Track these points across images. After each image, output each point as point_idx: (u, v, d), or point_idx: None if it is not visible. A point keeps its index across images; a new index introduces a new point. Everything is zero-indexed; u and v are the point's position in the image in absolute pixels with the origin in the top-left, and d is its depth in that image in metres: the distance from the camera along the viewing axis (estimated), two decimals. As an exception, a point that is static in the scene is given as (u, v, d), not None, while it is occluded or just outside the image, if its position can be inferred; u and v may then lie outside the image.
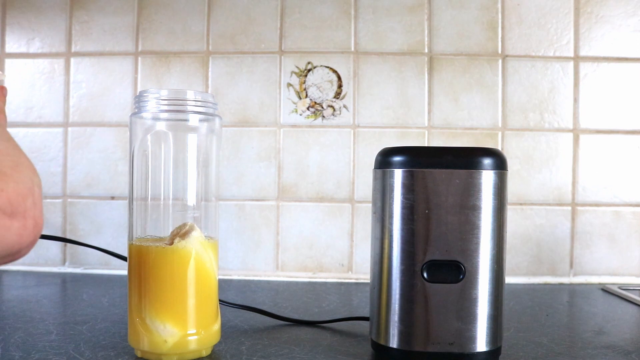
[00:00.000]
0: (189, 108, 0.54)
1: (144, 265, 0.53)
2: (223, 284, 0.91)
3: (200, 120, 0.55)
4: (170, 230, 0.55)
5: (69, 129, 1.01)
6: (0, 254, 0.32)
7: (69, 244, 1.00)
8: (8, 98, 1.05)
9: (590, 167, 0.97)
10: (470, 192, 0.51)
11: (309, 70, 0.98)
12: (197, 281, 0.54)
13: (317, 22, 0.98)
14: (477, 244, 0.51)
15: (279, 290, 0.89)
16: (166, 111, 0.54)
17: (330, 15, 0.98)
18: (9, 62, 1.02)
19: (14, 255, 0.33)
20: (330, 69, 0.98)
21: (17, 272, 0.99)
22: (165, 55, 0.99)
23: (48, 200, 1.01)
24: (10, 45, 1.02)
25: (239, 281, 0.96)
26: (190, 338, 0.53)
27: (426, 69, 0.98)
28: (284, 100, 0.99)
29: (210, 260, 0.55)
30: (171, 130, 0.55)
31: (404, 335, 0.52)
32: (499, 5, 0.98)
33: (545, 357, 0.56)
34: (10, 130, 0.43)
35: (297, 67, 0.99)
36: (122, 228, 0.99)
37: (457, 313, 0.51)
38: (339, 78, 0.98)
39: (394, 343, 0.53)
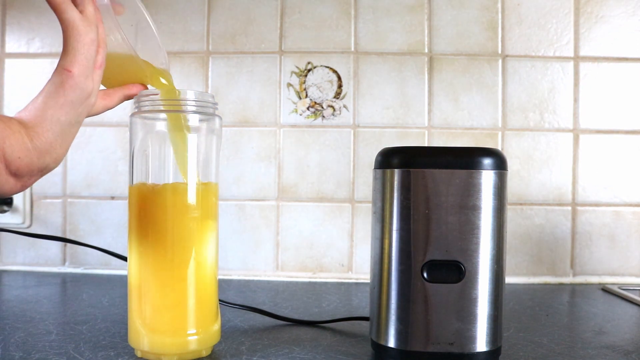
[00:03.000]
0: (189, 108, 0.54)
1: (144, 255, 0.53)
2: (223, 284, 0.91)
3: (200, 120, 0.55)
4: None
5: (69, 129, 1.01)
6: None
7: (69, 244, 1.00)
8: (8, 98, 1.05)
9: (590, 167, 0.97)
10: (470, 192, 0.51)
11: (309, 70, 0.98)
12: (196, 281, 0.54)
13: (317, 22, 0.98)
14: (477, 244, 0.51)
15: (279, 290, 0.89)
16: (166, 111, 0.54)
17: (330, 15, 0.98)
18: (8, 62, 1.02)
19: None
20: (330, 69, 0.98)
21: (17, 272, 0.99)
22: (165, 55, 0.99)
23: (48, 200, 1.01)
24: (10, 45, 1.01)
25: (239, 281, 0.96)
26: (190, 338, 0.53)
27: (426, 69, 0.98)
28: (284, 100, 0.99)
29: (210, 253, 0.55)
30: (171, 130, 0.55)
31: (404, 335, 0.52)
32: (499, 5, 0.98)
33: (545, 357, 0.56)
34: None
35: (297, 67, 0.99)
36: (122, 228, 0.99)
37: (457, 313, 0.51)
38: (339, 78, 0.98)
39: (394, 343, 0.53)
